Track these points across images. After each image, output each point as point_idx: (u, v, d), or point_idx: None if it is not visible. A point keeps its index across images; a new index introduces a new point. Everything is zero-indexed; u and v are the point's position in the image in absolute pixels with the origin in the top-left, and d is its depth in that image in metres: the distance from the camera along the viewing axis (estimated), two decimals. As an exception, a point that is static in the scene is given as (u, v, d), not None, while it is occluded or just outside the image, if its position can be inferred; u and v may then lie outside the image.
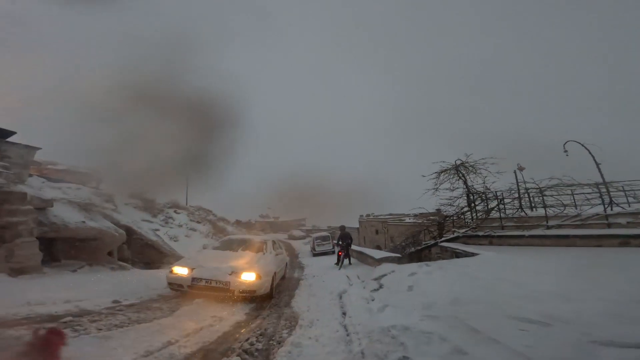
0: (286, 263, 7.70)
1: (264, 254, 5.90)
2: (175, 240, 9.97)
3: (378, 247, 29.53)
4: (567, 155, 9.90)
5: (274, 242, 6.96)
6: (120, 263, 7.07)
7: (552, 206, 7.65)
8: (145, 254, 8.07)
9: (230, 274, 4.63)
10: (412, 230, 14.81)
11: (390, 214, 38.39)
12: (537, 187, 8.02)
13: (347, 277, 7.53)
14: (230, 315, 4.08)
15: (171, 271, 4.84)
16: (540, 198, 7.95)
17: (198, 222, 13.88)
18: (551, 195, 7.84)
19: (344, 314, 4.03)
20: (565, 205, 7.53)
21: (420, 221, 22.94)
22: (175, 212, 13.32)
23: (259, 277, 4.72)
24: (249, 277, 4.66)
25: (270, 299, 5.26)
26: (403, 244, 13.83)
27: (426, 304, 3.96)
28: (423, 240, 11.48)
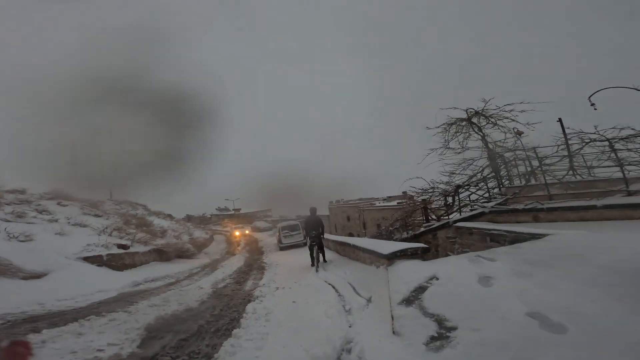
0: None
1: (245, 228, 35.73)
2: (22, 240, 6.38)
3: (350, 235, 27.09)
4: (595, 109, 7.74)
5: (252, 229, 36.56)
6: None
7: (629, 164, 5.23)
8: None
9: (246, 232, 31.13)
10: (398, 212, 12.12)
11: (360, 199, 36.30)
12: (603, 138, 5.47)
13: (335, 289, 4.30)
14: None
15: (234, 233, 29.86)
16: (606, 155, 5.49)
17: (97, 216, 9.84)
18: (626, 150, 5.38)
19: None
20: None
21: (399, 202, 20.70)
22: (59, 204, 9.22)
23: (251, 233, 31.42)
24: (248, 232, 32.16)
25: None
26: (390, 228, 11.07)
27: None
28: (423, 222, 8.75)
